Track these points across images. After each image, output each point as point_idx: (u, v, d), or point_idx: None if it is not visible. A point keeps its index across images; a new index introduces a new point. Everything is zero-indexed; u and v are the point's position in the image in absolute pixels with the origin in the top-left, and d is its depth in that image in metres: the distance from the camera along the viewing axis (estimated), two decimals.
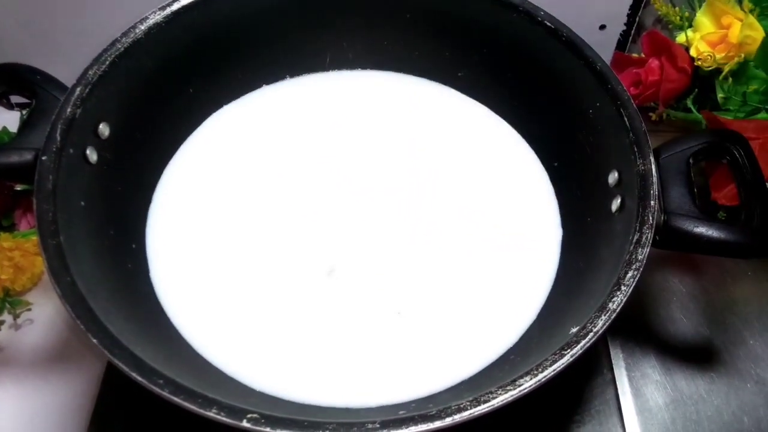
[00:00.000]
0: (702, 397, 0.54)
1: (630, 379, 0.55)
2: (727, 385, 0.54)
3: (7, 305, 0.60)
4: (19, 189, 0.64)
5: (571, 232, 0.53)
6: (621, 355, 0.56)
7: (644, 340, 0.57)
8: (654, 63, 0.68)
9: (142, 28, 0.50)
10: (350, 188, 0.56)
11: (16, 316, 0.60)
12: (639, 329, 0.58)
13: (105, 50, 0.48)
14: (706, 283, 0.60)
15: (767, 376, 0.55)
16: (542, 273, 0.51)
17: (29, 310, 0.61)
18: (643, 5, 0.72)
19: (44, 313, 0.61)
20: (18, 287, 0.61)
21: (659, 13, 0.70)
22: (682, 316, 0.58)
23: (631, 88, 0.70)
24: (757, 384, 0.54)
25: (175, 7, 0.52)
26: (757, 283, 0.60)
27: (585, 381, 0.54)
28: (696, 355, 0.56)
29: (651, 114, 0.70)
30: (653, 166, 0.44)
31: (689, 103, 0.67)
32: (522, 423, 0.52)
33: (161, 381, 0.35)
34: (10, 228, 0.65)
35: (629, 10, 0.73)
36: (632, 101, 0.47)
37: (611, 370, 0.55)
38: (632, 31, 0.75)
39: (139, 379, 0.35)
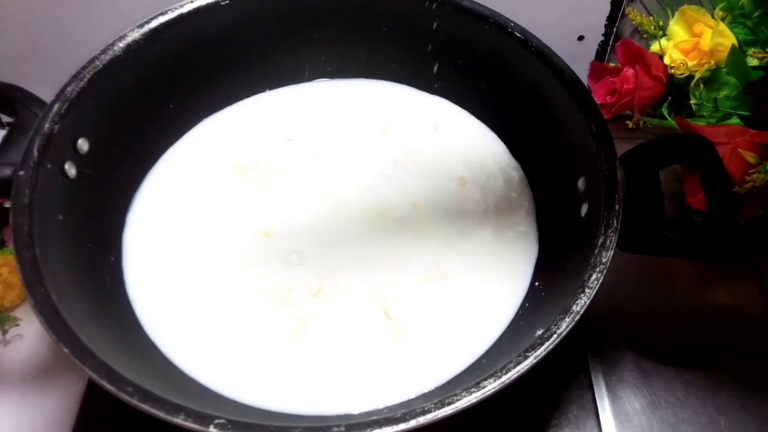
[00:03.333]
0: (679, 400, 0.54)
1: (607, 383, 0.55)
2: (703, 388, 0.54)
3: None
4: (8, 207, 0.65)
5: (545, 238, 0.53)
6: (598, 360, 0.56)
7: (621, 345, 0.57)
8: (629, 72, 0.69)
9: (121, 45, 0.51)
10: (330, 199, 0.56)
11: (4, 332, 0.61)
12: (616, 334, 0.58)
13: (83, 67, 0.49)
14: (683, 288, 0.60)
15: (744, 378, 0.55)
16: (517, 280, 0.51)
17: (17, 325, 0.62)
18: (620, 16, 0.74)
19: (33, 329, 0.61)
20: (7, 303, 0.62)
21: (634, 22, 0.71)
22: (658, 321, 0.58)
23: (608, 97, 0.71)
24: (733, 387, 0.54)
25: (154, 24, 0.53)
26: (734, 287, 0.61)
27: (562, 385, 0.55)
28: (673, 359, 0.56)
29: (628, 122, 0.71)
30: (618, 171, 0.45)
31: (664, 110, 0.68)
32: (500, 427, 0.53)
33: (130, 389, 0.36)
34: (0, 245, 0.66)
35: (607, 20, 0.74)
36: (599, 108, 0.48)
37: (588, 374, 0.55)
38: (610, 42, 0.76)
39: (109, 387, 0.36)
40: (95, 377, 0.36)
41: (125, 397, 0.35)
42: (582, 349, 0.56)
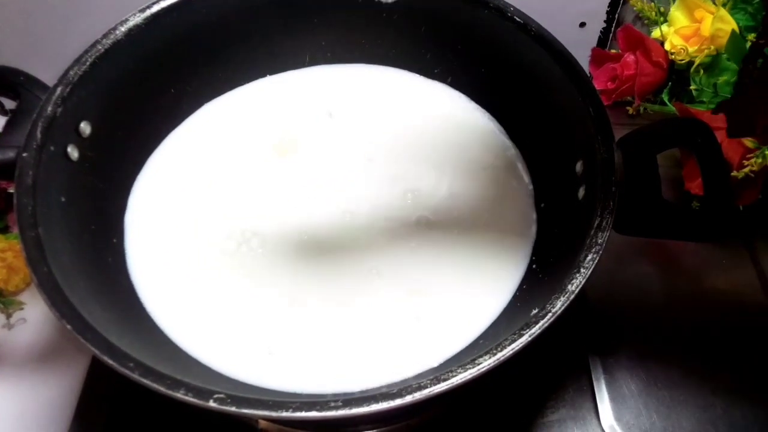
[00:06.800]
0: (675, 383, 0.54)
1: (604, 365, 0.55)
2: (700, 371, 0.55)
3: (1, 305, 0.62)
4: (11, 191, 0.65)
5: (543, 221, 0.54)
6: (595, 342, 0.56)
7: (619, 328, 0.57)
8: (629, 58, 0.69)
9: (123, 29, 0.51)
10: (330, 181, 0.57)
11: (9, 316, 0.62)
12: (614, 317, 0.58)
13: (86, 51, 0.49)
14: (681, 271, 0.61)
15: (741, 362, 0.55)
16: (515, 263, 0.52)
17: (22, 309, 0.63)
18: (621, 2, 0.74)
19: (37, 313, 0.62)
20: (11, 287, 0.63)
21: (635, 9, 0.71)
22: (656, 305, 0.59)
23: (609, 83, 0.71)
24: (729, 370, 0.55)
25: (155, 9, 0.53)
26: (732, 273, 0.61)
27: (560, 368, 0.55)
28: (670, 343, 0.57)
29: (628, 108, 0.71)
30: (615, 154, 0.45)
31: (664, 96, 0.68)
32: (498, 408, 0.53)
33: (132, 364, 0.36)
34: (4, 230, 0.66)
35: (608, 7, 0.74)
36: (597, 92, 0.48)
37: (585, 357, 0.56)
38: (612, 28, 0.76)
39: (111, 362, 0.36)
40: (97, 353, 0.37)
41: (126, 372, 0.36)
42: (579, 333, 0.57)
